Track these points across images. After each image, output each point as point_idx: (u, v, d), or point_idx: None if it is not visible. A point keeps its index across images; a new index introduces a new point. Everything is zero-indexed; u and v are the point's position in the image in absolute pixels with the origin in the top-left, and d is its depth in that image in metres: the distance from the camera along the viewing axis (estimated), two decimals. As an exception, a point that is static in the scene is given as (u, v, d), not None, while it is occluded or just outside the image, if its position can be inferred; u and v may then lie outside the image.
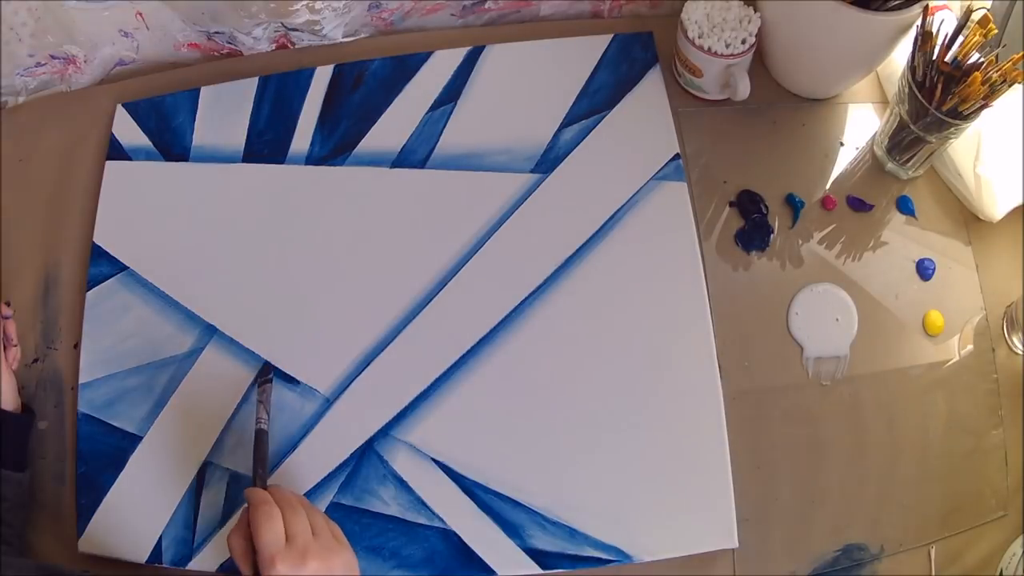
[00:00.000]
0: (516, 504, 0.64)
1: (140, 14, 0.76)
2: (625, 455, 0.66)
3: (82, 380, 0.68)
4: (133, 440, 0.66)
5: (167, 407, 0.67)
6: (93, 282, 0.72)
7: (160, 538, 0.64)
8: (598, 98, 0.77)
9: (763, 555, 0.64)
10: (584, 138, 0.75)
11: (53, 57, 0.78)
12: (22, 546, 0.62)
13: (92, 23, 0.75)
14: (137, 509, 0.65)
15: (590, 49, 0.79)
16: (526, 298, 0.70)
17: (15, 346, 0.68)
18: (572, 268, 0.71)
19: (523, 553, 0.63)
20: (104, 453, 0.66)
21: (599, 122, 0.76)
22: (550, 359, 0.68)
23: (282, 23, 0.79)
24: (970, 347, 0.70)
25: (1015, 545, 0.61)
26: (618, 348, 0.69)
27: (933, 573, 0.64)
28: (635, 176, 0.74)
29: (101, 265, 0.72)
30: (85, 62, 0.80)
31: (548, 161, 0.75)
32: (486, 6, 0.82)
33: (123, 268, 0.72)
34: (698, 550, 0.63)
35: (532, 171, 0.74)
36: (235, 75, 0.80)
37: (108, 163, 0.76)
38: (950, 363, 0.70)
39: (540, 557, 0.63)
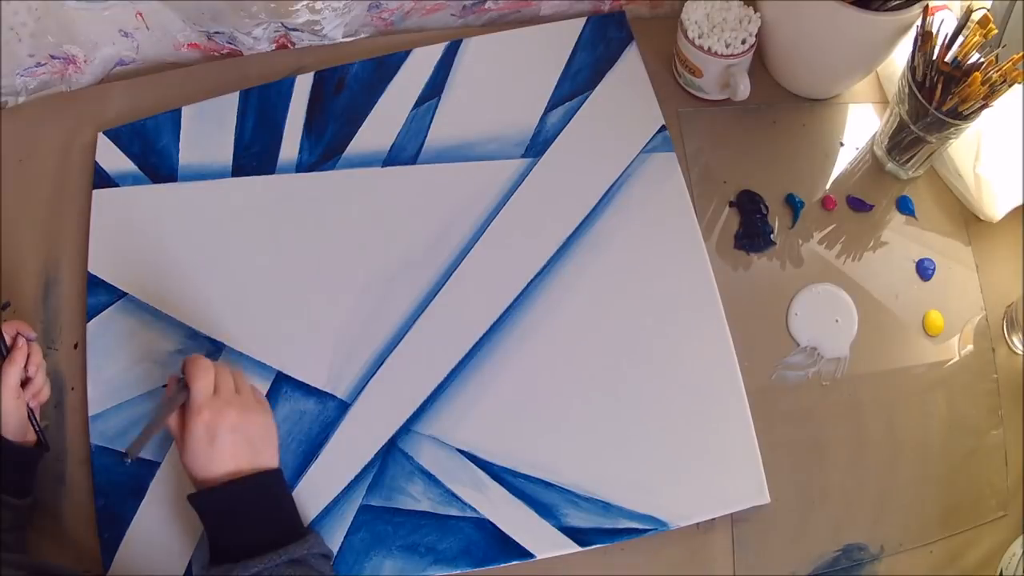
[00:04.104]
0: (547, 485, 0.64)
1: (140, 14, 0.76)
2: (648, 424, 0.66)
3: (92, 412, 0.67)
4: (151, 467, 0.65)
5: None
6: (92, 312, 0.71)
7: (190, 562, 0.63)
8: (579, 79, 0.78)
9: (763, 555, 0.64)
10: (571, 119, 0.76)
11: (53, 57, 0.78)
12: (21, 562, 0.61)
13: (92, 23, 0.75)
14: (163, 535, 0.63)
15: (566, 33, 0.80)
16: (532, 280, 0.70)
17: (39, 382, 0.64)
18: (573, 247, 0.72)
19: (560, 533, 0.63)
20: (122, 483, 0.65)
21: (583, 102, 0.77)
22: (562, 337, 0.69)
23: (282, 23, 0.79)
24: (970, 347, 0.70)
25: (1015, 545, 0.61)
26: (628, 318, 0.69)
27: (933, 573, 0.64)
28: (625, 151, 0.75)
29: (99, 294, 0.71)
30: (85, 62, 0.80)
31: (538, 145, 0.75)
32: (486, 6, 0.82)
33: (122, 295, 0.71)
34: (731, 509, 0.64)
35: (523, 156, 0.75)
36: (235, 75, 0.80)
37: (95, 192, 0.75)
38: (950, 363, 0.70)
39: (577, 535, 0.63)
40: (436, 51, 0.80)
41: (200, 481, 0.55)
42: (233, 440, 0.55)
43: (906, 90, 0.67)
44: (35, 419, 0.63)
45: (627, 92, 0.77)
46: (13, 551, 0.59)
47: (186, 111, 0.78)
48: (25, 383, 0.63)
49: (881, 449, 0.67)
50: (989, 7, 0.68)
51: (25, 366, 0.63)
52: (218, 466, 0.54)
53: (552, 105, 0.77)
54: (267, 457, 0.57)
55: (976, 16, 0.64)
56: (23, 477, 0.62)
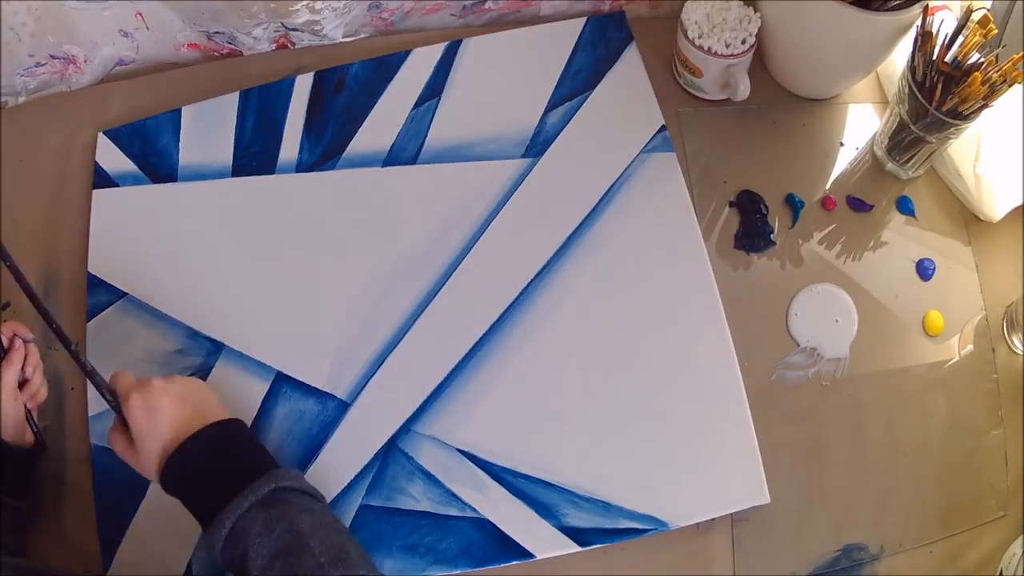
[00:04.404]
0: (547, 484, 0.64)
1: (140, 14, 0.76)
2: (648, 424, 0.66)
3: (92, 412, 0.67)
4: None
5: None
6: (92, 312, 0.71)
7: (190, 562, 0.63)
8: (579, 79, 0.78)
9: (763, 555, 0.64)
10: (571, 119, 0.76)
11: (53, 57, 0.78)
12: (21, 565, 0.61)
13: (92, 23, 0.75)
14: (163, 535, 0.63)
15: (566, 33, 0.80)
16: (532, 280, 0.71)
17: (36, 383, 0.65)
18: (573, 247, 0.72)
19: (560, 533, 0.63)
20: (122, 483, 0.64)
21: (583, 102, 0.77)
22: (562, 337, 0.69)
23: (282, 23, 0.79)
24: (970, 347, 0.70)
25: (1015, 545, 0.61)
26: (628, 318, 0.69)
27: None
28: (624, 151, 0.75)
29: (99, 294, 0.71)
30: (85, 62, 0.80)
31: (538, 145, 0.76)
32: (486, 6, 0.82)
33: (122, 295, 0.71)
34: (731, 509, 0.64)
35: (523, 156, 0.75)
36: (235, 75, 0.80)
37: (95, 192, 0.75)
38: (950, 363, 0.70)
39: (577, 535, 0.63)
40: (436, 51, 0.80)
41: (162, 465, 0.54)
42: (170, 403, 0.55)
43: (906, 90, 0.67)
44: (33, 420, 0.64)
45: (627, 92, 0.77)
46: (13, 553, 0.59)
47: (186, 111, 0.78)
48: (23, 384, 0.63)
49: (881, 449, 0.67)
50: (989, 7, 0.68)
51: (23, 367, 0.63)
52: (169, 432, 0.54)
53: (552, 105, 0.77)
54: (214, 412, 0.56)
55: (976, 16, 0.64)
56: (22, 478, 0.62)
